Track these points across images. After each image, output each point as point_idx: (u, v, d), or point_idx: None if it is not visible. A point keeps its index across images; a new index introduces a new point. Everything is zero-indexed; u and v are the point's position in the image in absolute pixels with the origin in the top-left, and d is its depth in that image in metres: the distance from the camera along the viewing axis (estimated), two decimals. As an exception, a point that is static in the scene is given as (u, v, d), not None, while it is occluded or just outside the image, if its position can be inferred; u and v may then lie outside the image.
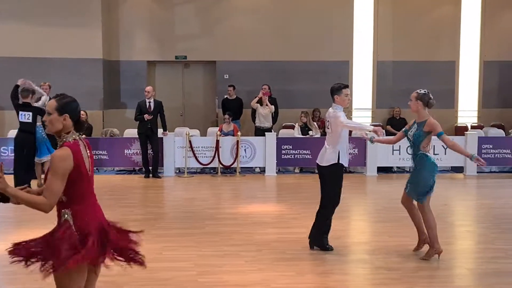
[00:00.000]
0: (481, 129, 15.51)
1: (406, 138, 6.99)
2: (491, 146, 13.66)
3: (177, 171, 13.60)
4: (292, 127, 14.84)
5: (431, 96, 6.80)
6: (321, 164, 7.03)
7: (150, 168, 13.08)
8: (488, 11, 16.52)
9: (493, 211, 9.56)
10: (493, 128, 15.54)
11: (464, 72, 16.73)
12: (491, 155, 13.63)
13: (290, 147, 13.60)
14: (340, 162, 6.89)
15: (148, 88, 13.33)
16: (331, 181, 6.95)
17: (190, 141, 13.36)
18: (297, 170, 14.03)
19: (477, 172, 13.52)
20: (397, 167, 13.96)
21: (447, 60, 16.51)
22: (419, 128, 6.74)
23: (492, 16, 16.51)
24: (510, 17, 16.62)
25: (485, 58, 16.64)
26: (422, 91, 6.83)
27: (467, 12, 16.60)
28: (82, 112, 4.37)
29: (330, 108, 7.08)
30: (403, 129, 7.09)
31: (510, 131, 15.30)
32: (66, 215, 3.83)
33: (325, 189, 7.04)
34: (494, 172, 14.02)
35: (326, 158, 6.95)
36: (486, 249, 7.32)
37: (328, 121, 7.03)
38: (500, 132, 15.03)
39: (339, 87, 6.99)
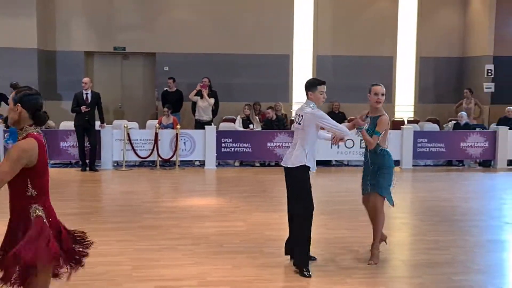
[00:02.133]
0: (417, 123, 15.89)
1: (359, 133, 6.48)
2: (426, 140, 14.01)
3: (115, 164, 13.36)
4: (233, 121, 14.82)
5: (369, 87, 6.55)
6: (286, 166, 6.23)
7: (87, 161, 12.82)
8: (424, 8, 16.93)
9: (427, 204, 9.82)
10: (428, 122, 15.95)
11: (401, 67, 17.12)
12: (426, 149, 13.99)
13: (230, 140, 13.57)
14: (307, 164, 6.10)
15: (85, 79, 13.03)
16: (300, 184, 6.13)
17: (128, 134, 13.15)
18: (237, 164, 14.02)
19: (413, 166, 13.85)
20: (335, 160, 14.14)
21: (385, 55, 16.83)
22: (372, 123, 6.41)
23: (428, 13, 16.93)
24: (445, 14, 17.09)
25: (421, 54, 17.07)
26: None
27: (404, 9, 16.99)
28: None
29: (304, 104, 6.27)
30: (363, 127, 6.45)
31: (444, 125, 15.74)
32: (37, 211, 3.79)
33: (294, 194, 6.23)
34: (429, 165, 14.39)
35: (292, 159, 6.15)
36: (419, 241, 7.52)
37: (301, 116, 6.15)
38: (435, 127, 15.44)
39: (314, 83, 6.19)
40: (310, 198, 6.15)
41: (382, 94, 6.52)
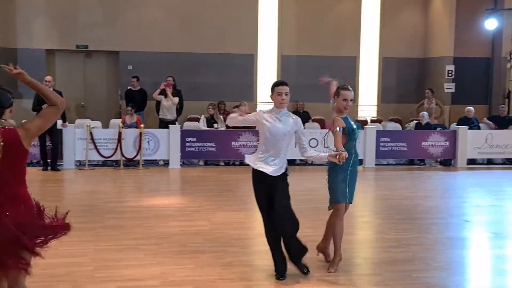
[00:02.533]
0: (380, 123, 16.10)
1: (350, 135, 6.26)
2: (388, 140, 14.21)
3: (78, 164, 13.21)
4: (198, 120, 14.77)
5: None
6: None
7: (49, 160, 12.64)
8: (387, 9, 17.15)
9: (389, 202, 9.97)
10: (390, 122, 16.18)
11: (364, 68, 17.31)
12: (388, 148, 14.19)
13: (195, 139, 13.53)
14: (253, 166, 5.82)
15: (48, 77, 12.84)
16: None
17: (91, 133, 13.01)
18: (201, 163, 13.99)
19: (375, 165, 14.03)
20: (299, 159, 14.19)
21: (349, 55, 16.98)
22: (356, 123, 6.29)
23: (391, 14, 17.16)
24: (407, 16, 17.33)
25: (384, 54, 17.28)
26: None
27: (367, 10, 17.18)
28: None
29: None
30: (339, 129, 6.19)
31: (406, 125, 15.98)
32: None
33: None
34: (391, 164, 14.60)
35: None
36: (381, 239, 7.63)
37: None
38: (397, 126, 15.68)
39: (272, 85, 5.89)
40: (260, 207, 5.87)
41: (351, 100, 6.26)
